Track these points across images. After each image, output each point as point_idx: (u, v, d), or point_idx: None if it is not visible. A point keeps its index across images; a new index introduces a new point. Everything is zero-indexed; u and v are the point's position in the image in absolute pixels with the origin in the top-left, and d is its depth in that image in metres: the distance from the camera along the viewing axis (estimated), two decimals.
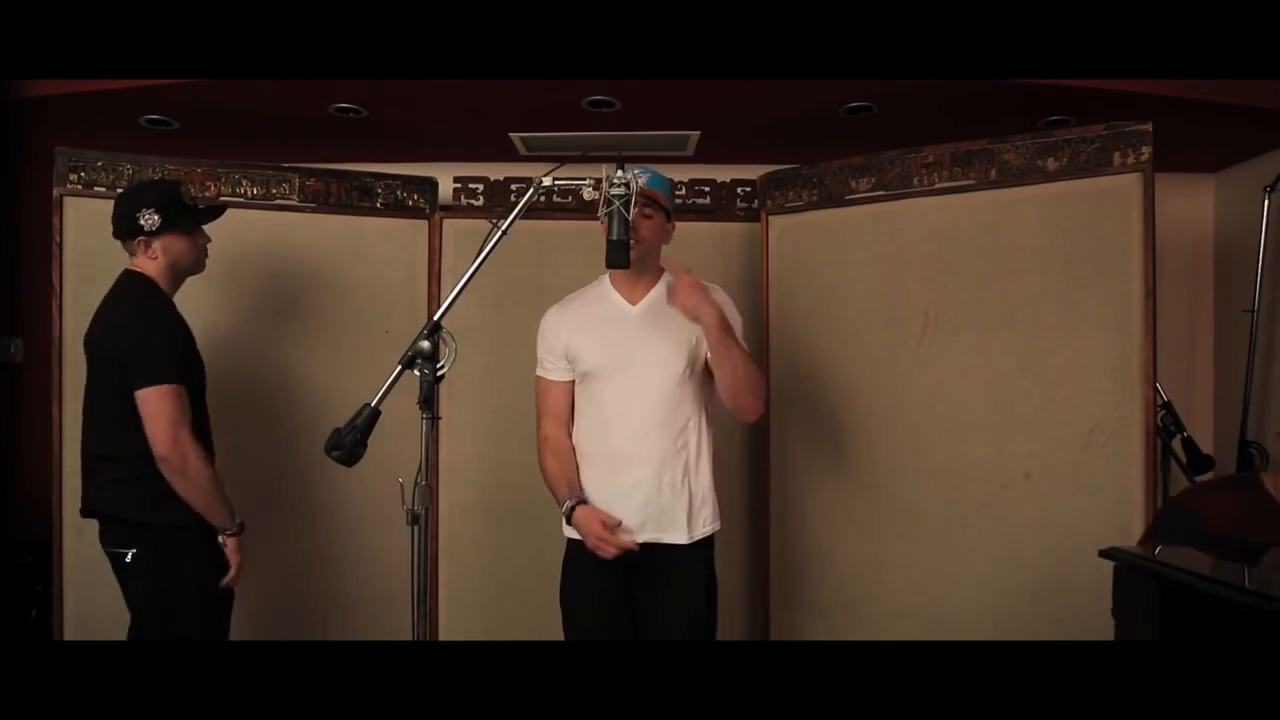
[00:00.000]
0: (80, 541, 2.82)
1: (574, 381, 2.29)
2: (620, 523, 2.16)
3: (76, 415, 2.79)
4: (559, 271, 3.17)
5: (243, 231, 2.96)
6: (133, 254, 2.33)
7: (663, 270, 2.28)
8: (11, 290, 3.37)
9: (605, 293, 2.28)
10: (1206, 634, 1.64)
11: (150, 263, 2.31)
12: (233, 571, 2.27)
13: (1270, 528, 2.02)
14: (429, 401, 1.85)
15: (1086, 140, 2.61)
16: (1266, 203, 3.20)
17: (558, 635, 3.14)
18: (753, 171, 3.26)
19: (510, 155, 3.58)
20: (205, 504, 2.21)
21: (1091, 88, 2.68)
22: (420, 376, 1.85)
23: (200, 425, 2.29)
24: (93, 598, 2.83)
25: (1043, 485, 2.64)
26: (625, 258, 1.97)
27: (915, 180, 2.85)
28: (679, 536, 2.19)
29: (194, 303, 2.91)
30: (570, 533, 2.25)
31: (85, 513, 2.33)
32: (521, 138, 3.42)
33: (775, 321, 3.11)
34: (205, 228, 2.42)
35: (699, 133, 3.36)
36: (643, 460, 2.18)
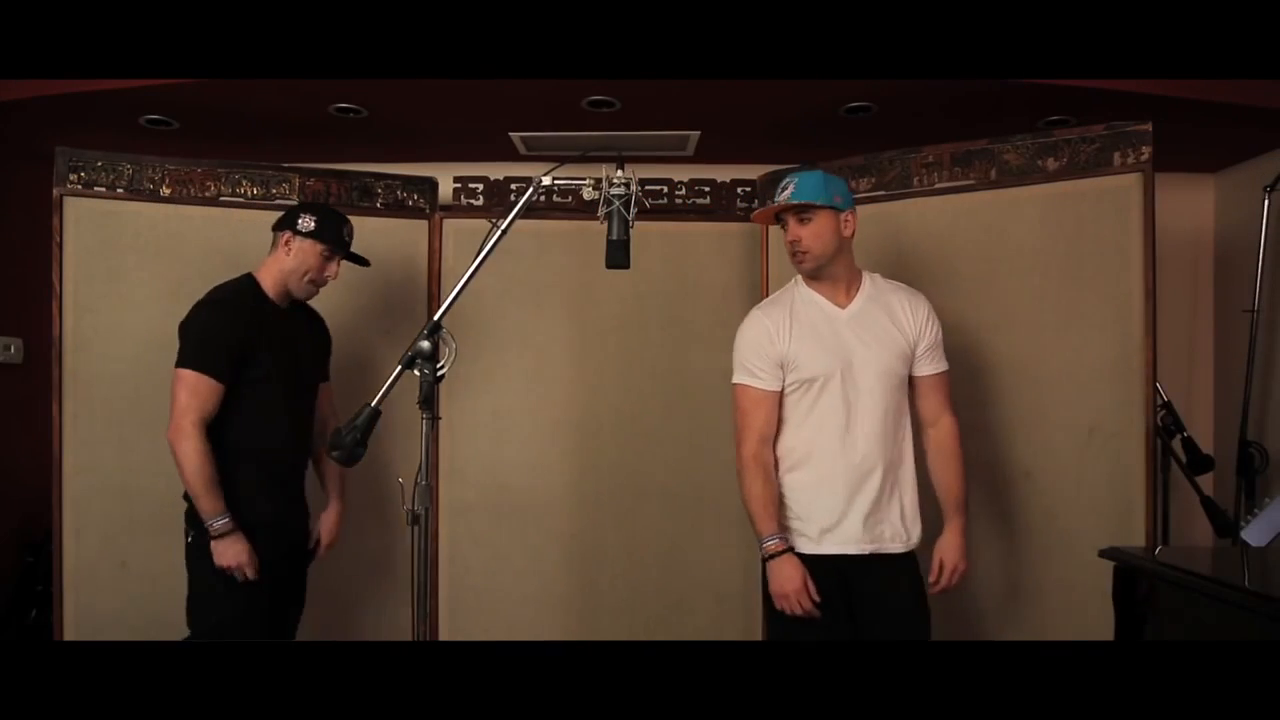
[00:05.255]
0: (80, 542, 2.82)
1: (782, 391, 2.17)
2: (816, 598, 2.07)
3: (76, 415, 2.82)
4: (559, 271, 3.18)
5: (243, 231, 2.96)
6: (273, 248, 2.41)
7: (862, 273, 2.24)
8: (12, 290, 3.37)
9: (810, 297, 2.19)
10: (1208, 630, 1.64)
11: (275, 260, 2.39)
12: (226, 570, 2.25)
13: None
14: (429, 401, 1.85)
15: (1086, 140, 2.61)
16: (1266, 203, 3.20)
17: (557, 635, 3.15)
18: (753, 171, 3.26)
19: (510, 155, 3.58)
20: (191, 491, 2.25)
21: (1091, 88, 2.68)
22: (420, 376, 1.85)
23: (259, 423, 2.33)
24: (93, 598, 2.83)
25: (1043, 485, 2.64)
26: (625, 258, 1.97)
27: (915, 180, 2.85)
28: (897, 545, 2.13)
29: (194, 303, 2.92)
30: (801, 548, 2.14)
31: None
32: (521, 138, 3.42)
33: None
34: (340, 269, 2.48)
35: (699, 133, 3.36)
36: (865, 468, 2.11)
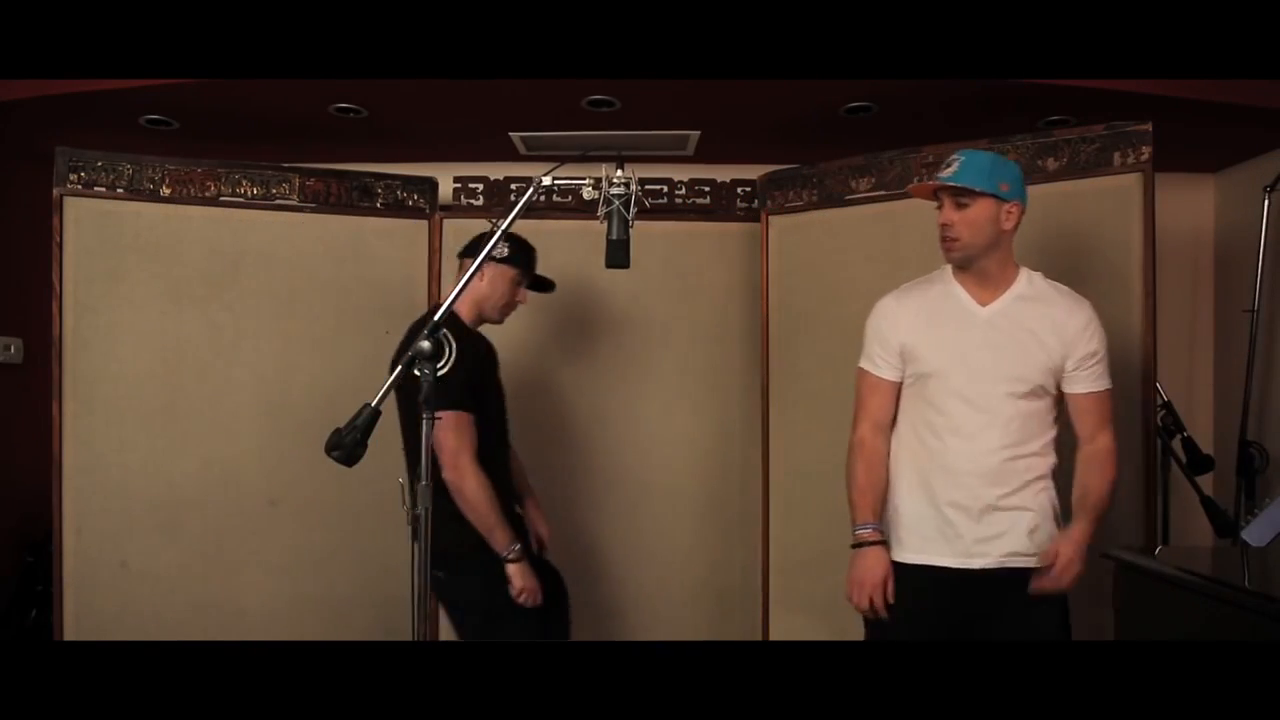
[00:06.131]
0: (80, 541, 2.83)
1: (902, 383, 2.06)
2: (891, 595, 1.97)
3: (76, 415, 2.82)
4: (559, 271, 3.17)
5: (243, 231, 2.97)
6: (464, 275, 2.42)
7: (1018, 270, 2.03)
8: (12, 291, 3.37)
9: (950, 289, 2.04)
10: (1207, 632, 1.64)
11: (471, 288, 2.36)
12: (518, 596, 2.27)
13: None
14: (429, 401, 1.84)
15: (1086, 140, 2.61)
16: (1266, 203, 3.20)
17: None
18: (753, 171, 3.26)
19: (510, 155, 3.58)
20: (483, 527, 2.25)
21: (1091, 88, 2.68)
22: (420, 376, 1.85)
23: (491, 451, 2.33)
24: (93, 598, 2.83)
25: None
26: (625, 258, 1.96)
27: (915, 180, 2.85)
28: (1021, 561, 1.96)
29: (194, 303, 2.92)
30: (899, 556, 2.03)
31: None
32: (521, 137, 3.42)
33: (775, 321, 3.11)
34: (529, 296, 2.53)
35: (699, 133, 3.36)
36: (978, 478, 1.96)
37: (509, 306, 2.46)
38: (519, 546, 2.29)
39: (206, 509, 2.91)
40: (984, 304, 2.01)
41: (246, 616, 2.92)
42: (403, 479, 1.89)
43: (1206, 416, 3.64)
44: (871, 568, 1.98)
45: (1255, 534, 2.40)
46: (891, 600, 1.97)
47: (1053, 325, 1.97)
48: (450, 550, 2.26)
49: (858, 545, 2.02)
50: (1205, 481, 3.12)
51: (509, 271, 2.42)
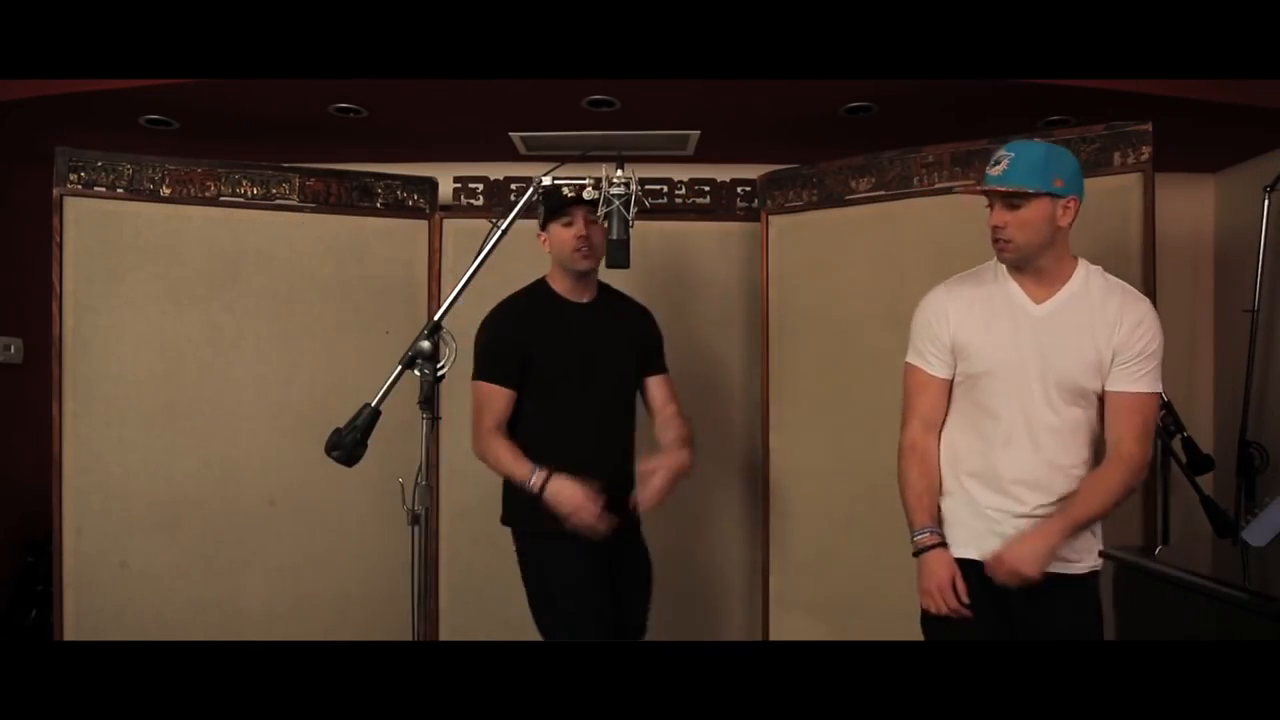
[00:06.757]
0: (80, 541, 2.83)
1: (953, 380, 1.98)
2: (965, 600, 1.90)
3: (76, 415, 2.82)
4: None
5: (243, 231, 2.97)
6: None
7: (1075, 264, 1.92)
8: (12, 291, 3.37)
9: (1004, 285, 1.94)
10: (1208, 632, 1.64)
11: (550, 259, 2.40)
12: (569, 519, 2.15)
13: None
14: (429, 401, 1.85)
15: (1086, 140, 2.61)
16: (1266, 203, 3.20)
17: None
18: (753, 171, 3.26)
19: (510, 155, 3.58)
20: (515, 479, 2.24)
21: (1091, 88, 2.68)
22: (420, 376, 1.85)
23: (558, 426, 2.30)
24: (93, 598, 2.83)
25: None
26: (625, 257, 1.96)
27: (915, 180, 2.85)
28: (1060, 565, 1.90)
29: (194, 303, 2.92)
30: (959, 552, 1.96)
31: None
32: (521, 137, 3.42)
33: (775, 321, 3.11)
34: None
35: (699, 133, 3.36)
36: (1028, 483, 1.91)
37: (575, 251, 2.30)
38: (537, 473, 2.17)
39: (206, 509, 2.92)
40: (1039, 301, 1.92)
41: (246, 616, 2.93)
42: (402, 479, 1.89)
43: (1206, 416, 3.65)
44: (937, 572, 1.91)
45: (1255, 534, 2.40)
46: (966, 599, 1.90)
47: (1106, 323, 1.87)
48: (511, 521, 2.35)
49: (919, 551, 1.95)
50: (1205, 481, 3.12)
51: (557, 225, 2.32)
